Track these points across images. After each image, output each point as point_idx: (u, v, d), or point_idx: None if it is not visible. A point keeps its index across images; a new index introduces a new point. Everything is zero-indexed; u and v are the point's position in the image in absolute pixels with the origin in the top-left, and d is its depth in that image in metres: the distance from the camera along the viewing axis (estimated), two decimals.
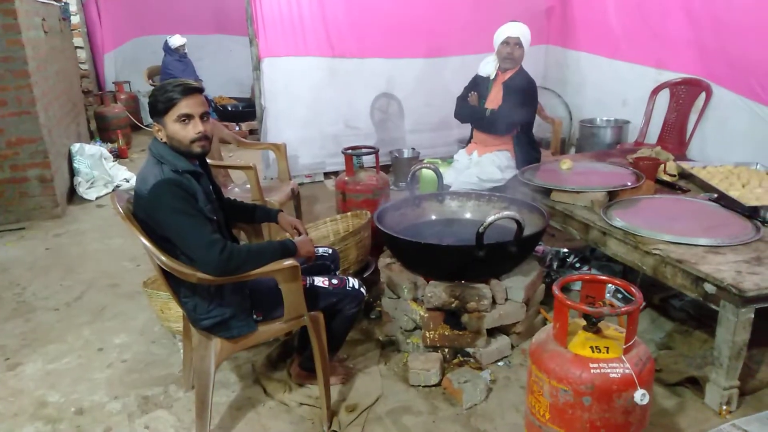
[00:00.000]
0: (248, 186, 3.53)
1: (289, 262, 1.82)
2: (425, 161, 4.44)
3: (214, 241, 1.71)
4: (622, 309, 1.51)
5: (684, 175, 3.23)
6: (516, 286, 2.46)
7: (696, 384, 2.22)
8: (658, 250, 2.28)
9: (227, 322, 1.87)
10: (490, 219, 2.15)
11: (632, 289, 1.59)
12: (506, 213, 2.17)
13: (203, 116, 1.83)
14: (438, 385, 2.30)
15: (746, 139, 3.70)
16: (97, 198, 5.05)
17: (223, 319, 1.86)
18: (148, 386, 2.38)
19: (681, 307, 2.85)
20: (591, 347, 1.55)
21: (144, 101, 8.07)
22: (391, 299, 2.66)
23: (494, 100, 3.39)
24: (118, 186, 5.30)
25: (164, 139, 1.82)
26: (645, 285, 3.00)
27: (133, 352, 2.65)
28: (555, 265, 3.25)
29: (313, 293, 1.98)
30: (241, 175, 3.70)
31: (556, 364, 1.55)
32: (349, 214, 3.32)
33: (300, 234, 2.20)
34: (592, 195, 2.80)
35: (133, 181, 5.38)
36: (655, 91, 4.42)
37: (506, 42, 3.29)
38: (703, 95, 4.05)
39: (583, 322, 1.65)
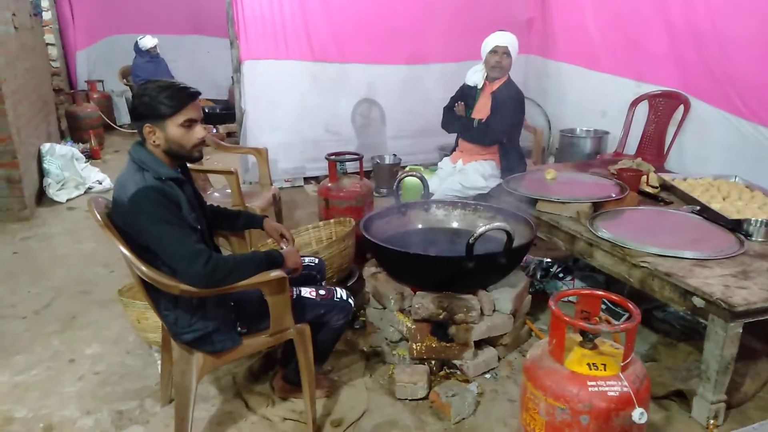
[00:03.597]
0: (228, 191, 3.45)
1: (276, 274, 1.75)
2: (407, 168, 4.43)
3: (198, 251, 1.63)
4: (621, 325, 1.48)
5: (665, 186, 3.26)
6: (504, 297, 2.44)
7: (682, 397, 2.22)
8: (646, 262, 2.28)
9: (210, 336, 1.79)
10: (481, 230, 2.12)
11: (629, 305, 1.57)
12: (497, 224, 2.14)
13: (202, 121, 1.77)
14: (425, 398, 2.25)
15: (724, 152, 3.76)
16: (67, 200, 4.87)
17: (206, 332, 1.78)
18: (122, 400, 2.27)
19: (664, 319, 2.87)
20: (588, 364, 1.53)
21: (118, 101, 7.88)
22: (376, 309, 2.61)
23: (482, 109, 3.38)
24: (90, 188, 5.13)
25: (158, 142, 1.73)
26: (626, 295, 3.02)
27: (107, 363, 2.54)
28: (538, 275, 3.24)
29: (299, 305, 1.91)
30: (221, 180, 3.61)
31: (553, 382, 1.52)
32: (332, 221, 3.25)
33: (286, 240, 2.14)
34: (578, 206, 2.80)
35: (106, 183, 5.22)
36: (634, 103, 4.48)
37: (494, 51, 3.28)
38: (681, 108, 4.12)
39: (578, 337, 1.62)
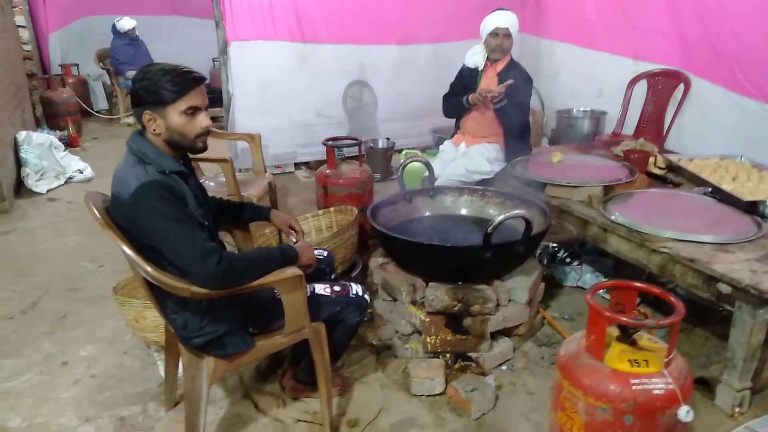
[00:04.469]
0: (222, 179, 3.30)
1: (292, 272, 1.63)
2: (404, 152, 4.31)
3: (209, 250, 1.51)
4: (667, 320, 1.40)
5: (672, 167, 3.19)
6: (519, 286, 2.36)
7: (704, 384, 2.18)
8: (666, 248, 2.21)
9: (221, 339, 1.67)
10: (500, 218, 2.02)
11: (671, 298, 1.49)
12: (516, 212, 2.04)
13: (206, 108, 1.63)
14: (442, 393, 2.17)
15: (726, 132, 3.71)
16: (48, 191, 4.65)
17: (216, 336, 1.66)
18: (123, 405, 2.15)
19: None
20: (629, 361, 1.45)
21: (95, 85, 7.58)
22: (385, 301, 2.51)
23: None
24: (71, 178, 4.91)
25: (158, 131, 1.59)
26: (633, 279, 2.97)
27: (103, 365, 2.41)
28: (545, 260, 3.16)
29: (314, 303, 1.80)
30: (212, 168, 3.45)
31: (593, 380, 1.44)
32: (332, 209, 3.13)
33: (295, 232, 2.01)
34: (589, 190, 2.72)
35: (87, 172, 5.01)
36: (632, 82, 4.40)
37: (495, 33, 3.14)
38: (681, 86, 4.05)
39: (614, 331, 1.54)
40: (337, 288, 1.88)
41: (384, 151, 4.93)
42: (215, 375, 1.69)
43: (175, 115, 1.57)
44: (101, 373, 2.35)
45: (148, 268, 1.50)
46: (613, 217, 2.49)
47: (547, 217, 2.41)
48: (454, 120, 3.50)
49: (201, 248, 1.50)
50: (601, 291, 2.95)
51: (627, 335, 1.50)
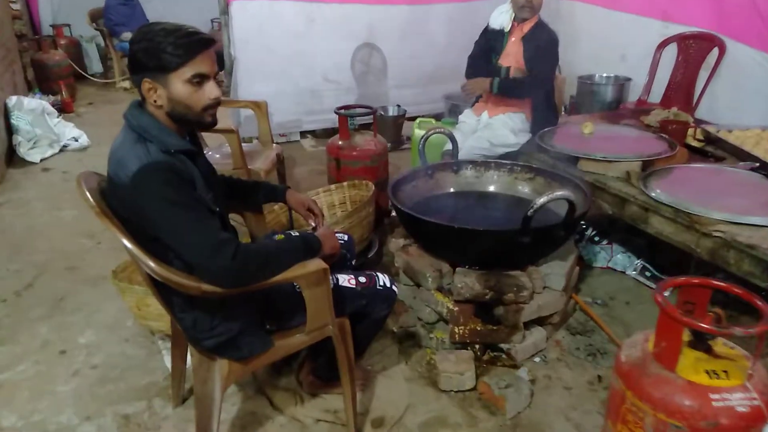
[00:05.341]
0: (226, 150, 3.07)
1: (316, 265, 1.43)
2: (418, 120, 4.06)
3: (223, 242, 1.30)
4: (757, 328, 1.21)
5: (710, 139, 2.96)
6: (555, 272, 2.17)
7: None
8: (720, 231, 2.00)
9: (235, 340, 1.48)
10: (542, 200, 1.82)
11: (758, 302, 1.30)
12: (559, 193, 1.83)
13: (216, 76, 1.40)
14: (473, 389, 2.00)
15: (765, 100, 3.46)
16: (41, 160, 4.42)
17: (230, 336, 1.47)
18: (127, 401, 1.98)
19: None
20: (707, 371, 1.26)
21: (88, 47, 7.25)
22: (407, 286, 2.32)
23: (510, 55, 3.00)
24: (65, 146, 4.67)
25: (159, 102, 1.37)
26: (668, 262, 2.78)
27: (104, 354, 2.23)
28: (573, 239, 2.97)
29: (338, 296, 1.60)
30: (214, 138, 3.21)
31: (665, 394, 1.26)
32: (345, 184, 2.92)
33: (314, 215, 1.81)
34: (627, 164, 2.50)
35: (82, 140, 4.76)
36: (661, 46, 4.12)
37: None
38: (715, 51, 3.78)
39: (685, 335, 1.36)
40: (362, 279, 1.69)
41: (395, 119, 4.68)
42: (229, 379, 1.51)
43: (178, 84, 1.35)
44: (102, 363, 2.18)
45: (153, 265, 1.30)
46: (652, 194, 2.28)
47: (587, 196, 2.20)
48: None
49: (213, 239, 1.29)
50: (632, 269, 2.80)
51: (702, 341, 1.32)
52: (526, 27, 2.98)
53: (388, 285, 1.72)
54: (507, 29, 3.03)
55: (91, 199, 1.31)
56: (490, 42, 3.07)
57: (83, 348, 2.27)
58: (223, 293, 1.34)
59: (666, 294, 1.31)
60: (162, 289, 1.42)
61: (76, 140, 4.75)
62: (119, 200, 1.34)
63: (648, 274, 2.73)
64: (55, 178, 4.13)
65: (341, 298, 1.62)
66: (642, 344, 1.39)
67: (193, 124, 1.43)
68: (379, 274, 1.74)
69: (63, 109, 5.60)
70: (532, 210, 1.83)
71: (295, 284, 1.55)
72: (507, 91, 2.95)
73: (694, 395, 1.23)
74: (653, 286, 2.67)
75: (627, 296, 2.62)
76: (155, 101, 1.37)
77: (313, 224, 1.80)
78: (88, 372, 2.14)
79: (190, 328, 1.47)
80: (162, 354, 2.20)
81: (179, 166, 1.33)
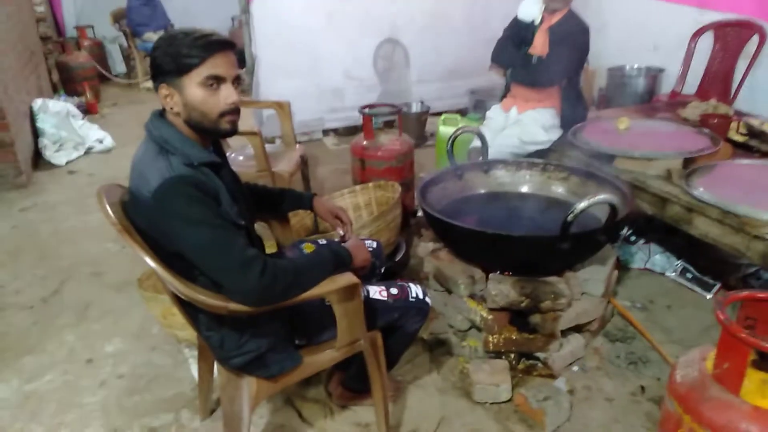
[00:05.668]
0: (250, 152, 3.02)
1: (347, 280, 1.36)
2: (443, 116, 3.96)
3: (250, 259, 1.24)
4: None
5: (753, 133, 2.81)
6: (594, 278, 2.07)
7: None
8: None
9: (264, 357, 1.42)
10: (582, 205, 1.72)
11: None
12: (601, 197, 1.73)
13: (236, 81, 1.32)
14: (509, 400, 1.92)
15: None
16: (67, 162, 4.44)
17: (258, 353, 1.41)
18: (154, 413, 1.94)
19: (761, 287, 2.51)
20: None
21: (111, 48, 7.29)
22: (437, 292, 2.24)
23: (539, 48, 2.88)
24: (90, 148, 4.68)
25: (176, 109, 1.30)
26: (710, 262, 2.65)
27: (131, 363, 2.20)
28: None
29: (369, 309, 1.53)
30: (237, 139, 3.16)
31: (729, 420, 1.16)
32: (370, 185, 2.84)
33: (342, 223, 1.74)
34: (668, 162, 2.38)
35: (107, 142, 4.77)
36: (697, 34, 3.95)
37: None
38: (755, 38, 3.60)
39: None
40: (394, 291, 1.61)
41: (418, 115, 4.59)
42: (258, 398, 1.45)
43: (192, 87, 1.28)
44: (129, 373, 2.15)
45: (179, 285, 1.24)
46: (697, 194, 2.16)
47: (627, 197, 2.09)
48: (499, 80, 3.14)
49: (240, 257, 1.23)
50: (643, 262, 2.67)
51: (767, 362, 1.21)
52: (555, 18, 2.85)
53: (421, 297, 1.64)
54: (538, 21, 2.91)
55: (113, 216, 1.26)
56: (520, 32, 2.95)
57: (110, 357, 2.25)
58: (251, 312, 1.28)
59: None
60: (188, 307, 1.37)
61: (101, 142, 4.77)
62: (141, 216, 1.29)
63: (689, 275, 2.61)
64: (81, 181, 4.13)
65: (373, 311, 1.55)
66: (699, 363, 1.29)
67: (210, 132, 1.35)
68: (411, 284, 1.66)
69: (87, 110, 5.63)
70: (572, 215, 1.73)
71: (324, 298, 1.48)
72: (541, 74, 2.82)
73: (763, 422, 1.13)
74: (696, 288, 2.55)
75: (667, 299, 2.50)
76: (172, 108, 1.31)
77: (341, 233, 1.73)
78: (115, 382, 2.11)
79: (217, 347, 1.41)
80: (188, 363, 2.16)
81: (203, 180, 1.27)
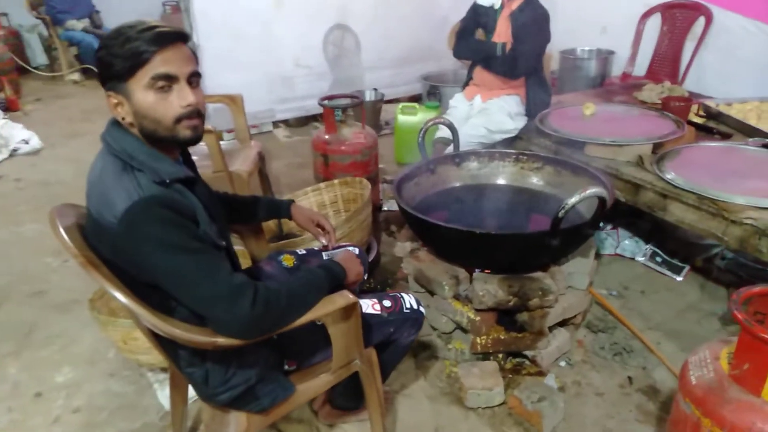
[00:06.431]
0: (202, 150, 2.80)
1: (344, 300, 1.24)
2: (401, 105, 3.85)
3: (238, 287, 1.09)
4: None
5: (711, 114, 2.86)
6: (579, 270, 2.03)
7: None
8: (751, 219, 1.89)
9: (253, 390, 1.28)
10: (573, 201, 1.66)
11: None
12: (591, 191, 1.67)
13: (192, 79, 1.14)
14: (502, 404, 1.86)
15: (756, 69, 3.39)
16: None
17: (248, 387, 1.26)
18: None
19: (726, 268, 2.57)
20: None
21: (29, 37, 6.70)
22: (418, 294, 2.14)
23: (503, 35, 2.81)
24: (15, 150, 4.27)
25: (128, 119, 1.12)
26: (677, 245, 2.69)
27: (87, 394, 1.99)
28: None
29: (365, 326, 1.41)
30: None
31: (752, 422, 1.12)
32: (336, 181, 2.70)
33: (324, 231, 1.60)
34: (638, 148, 2.37)
35: (34, 142, 4.36)
36: (645, 16, 4.03)
37: None
38: (701, 20, 3.68)
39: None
40: (387, 303, 1.50)
41: (373, 104, 4.45)
42: None
43: (139, 92, 1.09)
44: (86, 406, 1.94)
45: (159, 323, 1.08)
46: (670, 179, 2.15)
47: (608, 188, 2.05)
48: (451, 66, 3.06)
49: (227, 286, 1.08)
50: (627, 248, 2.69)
51: None
52: (514, 4, 2.79)
53: (415, 307, 1.54)
54: (497, 6, 2.83)
55: (72, 245, 1.07)
56: (480, 19, 2.87)
57: (62, 388, 2.02)
58: (241, 344, 1.13)
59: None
60: (166, 343, 1.20)
61: (27, 143, 4.35)
62: (105, 244, 1.10)
63: (659, 259, 2.63)
64: (8, 188, 3.76)
65: (367, 327, 1.43)
66: (713, 363, 1.26)
67: (168, 141, 1.15)
68: (404, 295, 1.55)
69: (8, 107, 5.17)
70: (563, 211, 1.67)
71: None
72: (509, 65, 2.76)
73: None
74: (666, 272, 2.57)
75: (640, 284, 2.52)
76: (124, 118, 1.13)
77: (324, 242, 1.60)
78: (71, 417, 1.89)
79: (201, 383, 1.25)
80: (154, 389, 1.97)
81: (177, 199, 1.09)
